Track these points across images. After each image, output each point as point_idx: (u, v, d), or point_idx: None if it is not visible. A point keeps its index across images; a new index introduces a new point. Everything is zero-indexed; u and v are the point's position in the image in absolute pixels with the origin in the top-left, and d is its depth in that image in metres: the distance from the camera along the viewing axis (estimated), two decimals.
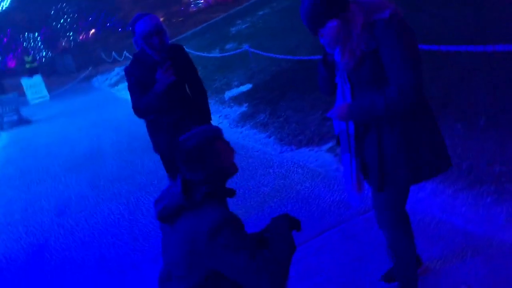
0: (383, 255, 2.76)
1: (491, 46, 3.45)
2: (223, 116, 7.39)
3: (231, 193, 1.87)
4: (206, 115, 3.33)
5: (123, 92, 13.99)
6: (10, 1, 28.77)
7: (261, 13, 14.72)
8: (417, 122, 1.99)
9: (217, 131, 1.86)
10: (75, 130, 9.30)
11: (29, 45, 30.50)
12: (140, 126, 8.39)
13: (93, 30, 31.98)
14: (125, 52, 20.34)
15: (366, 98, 1.94)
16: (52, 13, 30.84)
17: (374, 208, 2.24)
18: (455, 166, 3.45)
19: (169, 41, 3.08)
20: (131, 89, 3.10)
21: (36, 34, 32.92)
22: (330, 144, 4.79)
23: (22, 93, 15.96)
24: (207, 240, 1.63)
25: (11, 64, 49.31)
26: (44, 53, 45.34)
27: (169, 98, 3.01)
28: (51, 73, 29.36)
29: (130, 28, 3.04)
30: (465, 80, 4.54)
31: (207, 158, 1.77)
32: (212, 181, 1.77)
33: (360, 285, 2.60)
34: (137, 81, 3.04)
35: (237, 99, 7.87)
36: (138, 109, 3.09)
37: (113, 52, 22.36)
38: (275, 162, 4.76)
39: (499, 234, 2.68)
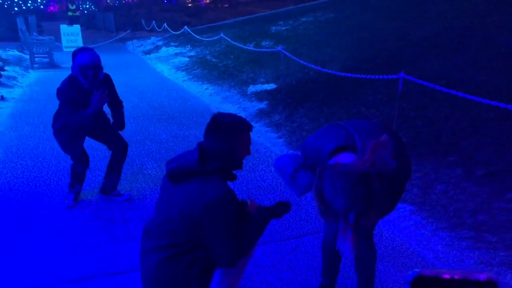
0: (352, 269, 2.95)
1: (504, 104, 3.59)
2: (242, 108, 7.60)
3: (234, 177, 2.10)
4: (120, 124, 4.06)
5: (154, 61, 14.31)
6: None
7: (304, 19, 14.88)
8: None
9: (250, 126, 2.11)
10: None
11: None
12: (160, 97, 8.69)
13: None
14: (165, 24, 20.69)
15: None
16: None
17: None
18: (442, 207, 3.65)
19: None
20: (63, 106, 3.63)
21: None
22: None
23: (57, 39, 16.39)
24: (205, 208, 1.87)
25: (54, 8, 50.07)
26: (87, 5, 46.00)
27: (95, 116, 3.66)
28: (90, 27, 29.88)
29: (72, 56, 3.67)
30: (475, 129, 4.67)
31: (230, 138, 2.01)
32: (223, 159, 2.00)
33: None
34: (70, 101, 3.58)
35: (259, 95, 8.07)
36: (69, 124, 3.63)
37: (154, 22, 22.73)
38: None
39: None
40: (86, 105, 3.56)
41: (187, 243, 1.93)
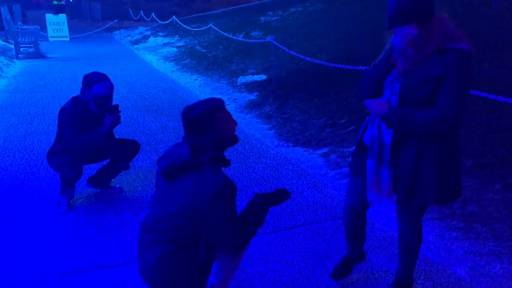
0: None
1: (494, 95, 3.63)
2: (232, 99, 7.57)
3: (227, 163, 2.07)
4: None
5: (142, 51, 14.16)
6: None
7: (293, 9, 14.83)
8: (452, 148, 2.15)
9: (219, 102, 2.02)
10: None
11: None
12: (149, 88, 8.61)
13: None
14: (152, 14, 20.47)
15: (408, 108, 2.05)
16: None
17: (400, 215, 2.44)
18: None
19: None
20: (68, 126, 3.50)
21: None
22: (325, 150, 4.99)
23: (43, 28, 16.10)
24: (208, 201, 1.86)
25: None
26: None
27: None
28: (76, 16, 29.44)
29: (85, 81, 3.52)
30: (465, 121, 4.71)
31: (208, 127, 1.95)
32: (213, 147, 1.97)
33: (315, 280, 2.80)
34: (74, 120, 3.48)
35: (249, 87, 8.04)
36: (77, 144, 3.49)
37: (141, 11, 22.48)
38: (270, 154, 4.95)
39: (454, 266, 2.89)
40: (90, 130, 3.50)
41: (190, 237, 1.93)
